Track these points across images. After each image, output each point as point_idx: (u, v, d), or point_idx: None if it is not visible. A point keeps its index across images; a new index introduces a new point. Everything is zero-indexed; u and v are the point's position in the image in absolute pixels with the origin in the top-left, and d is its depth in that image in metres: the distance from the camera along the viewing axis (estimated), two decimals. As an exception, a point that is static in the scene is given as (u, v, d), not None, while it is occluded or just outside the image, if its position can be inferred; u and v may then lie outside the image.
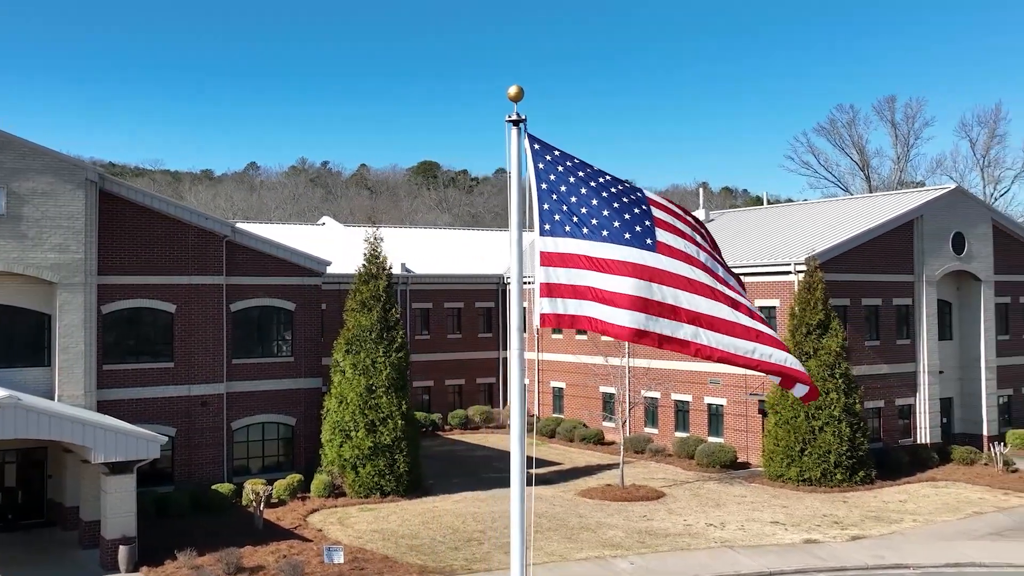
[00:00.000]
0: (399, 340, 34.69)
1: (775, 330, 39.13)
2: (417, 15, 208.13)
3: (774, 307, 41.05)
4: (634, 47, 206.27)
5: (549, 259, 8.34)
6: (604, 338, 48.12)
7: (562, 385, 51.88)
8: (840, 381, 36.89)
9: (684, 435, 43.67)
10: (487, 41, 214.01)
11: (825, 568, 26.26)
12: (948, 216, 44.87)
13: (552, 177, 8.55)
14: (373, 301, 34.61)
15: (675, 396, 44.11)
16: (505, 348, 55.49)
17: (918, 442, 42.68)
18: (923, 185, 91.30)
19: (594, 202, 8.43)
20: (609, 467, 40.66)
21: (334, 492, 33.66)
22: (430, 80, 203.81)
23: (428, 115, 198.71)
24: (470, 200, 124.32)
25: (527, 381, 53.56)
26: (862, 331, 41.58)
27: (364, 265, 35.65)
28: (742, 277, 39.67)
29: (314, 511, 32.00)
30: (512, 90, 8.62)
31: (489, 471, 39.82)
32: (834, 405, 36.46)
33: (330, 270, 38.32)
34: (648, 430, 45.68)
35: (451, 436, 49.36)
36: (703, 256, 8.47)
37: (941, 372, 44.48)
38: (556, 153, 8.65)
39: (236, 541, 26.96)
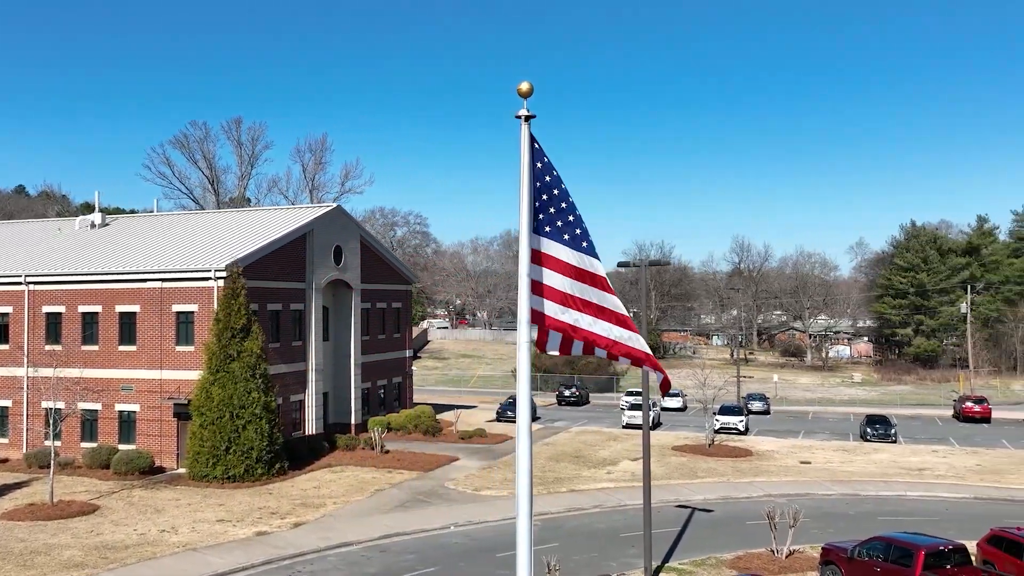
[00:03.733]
0: None
1: (194, 336, 40.56)
2: None
3: (193, 312, 42.16)
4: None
5: (538, 258, 9.18)
6: (0, 346, 44.21)
7: (-62, 400, 45.68)
8: (260, 381, 39.66)
9: (93, 445, 42.34)
10: None
11: (288, 556, 28.53)
12: (331, 231, 50.68)
13: (546, 179, 9.19)
14: None
15: (82, 405, 42.41)
16: None
17: (307, 433, 47.52)
18: (251, 203, 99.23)
19: (571, 218, 9.41)
20: (17, 486, 37.98)
21: None
22: None
23: None
24: None
25: None
26: (267, 333, 44.91)
27: None
28: (161, 283, 41.07)
29: None
30: (523, 86, 8.61)
31: None
32: (256, 404, 39.06)
33: None
34: (49, 443, 43.13)
35: None
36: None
37: (322, 370, 50.08)
38: (546, 160, 9.30)
39: None
